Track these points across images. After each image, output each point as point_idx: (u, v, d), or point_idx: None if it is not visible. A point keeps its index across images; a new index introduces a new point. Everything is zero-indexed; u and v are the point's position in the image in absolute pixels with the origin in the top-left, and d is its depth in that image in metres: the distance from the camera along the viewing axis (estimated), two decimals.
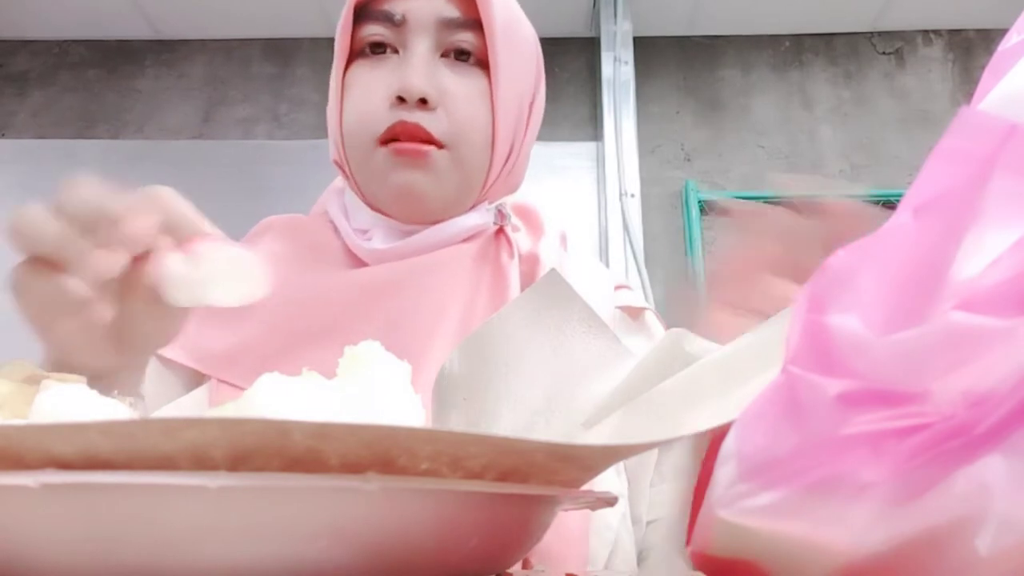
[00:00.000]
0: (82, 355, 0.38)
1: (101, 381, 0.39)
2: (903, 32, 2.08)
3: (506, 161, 0.58)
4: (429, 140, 0.52)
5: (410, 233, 0.56)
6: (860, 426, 0.17)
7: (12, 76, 2.10)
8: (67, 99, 2.08)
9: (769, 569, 0.19)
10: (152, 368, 0.53)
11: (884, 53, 2.08)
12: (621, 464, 0.51)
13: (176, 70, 2.11)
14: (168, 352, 0.52)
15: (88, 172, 0.36)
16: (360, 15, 0.55)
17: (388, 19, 0.54)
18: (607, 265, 1.48)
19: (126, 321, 0.38)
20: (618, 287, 0.62)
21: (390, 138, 0.52)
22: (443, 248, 0.56)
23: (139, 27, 2.08)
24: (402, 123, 0.52)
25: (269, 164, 1.95)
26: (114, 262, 0.33)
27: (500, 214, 0.59)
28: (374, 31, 0.54)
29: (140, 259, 0.36)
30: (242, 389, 0.47)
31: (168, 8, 2.01)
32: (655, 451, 0.53)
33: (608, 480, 0.50)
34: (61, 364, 0.39)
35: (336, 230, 0.58)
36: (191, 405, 0.50)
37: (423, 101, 0.52)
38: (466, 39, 0.54)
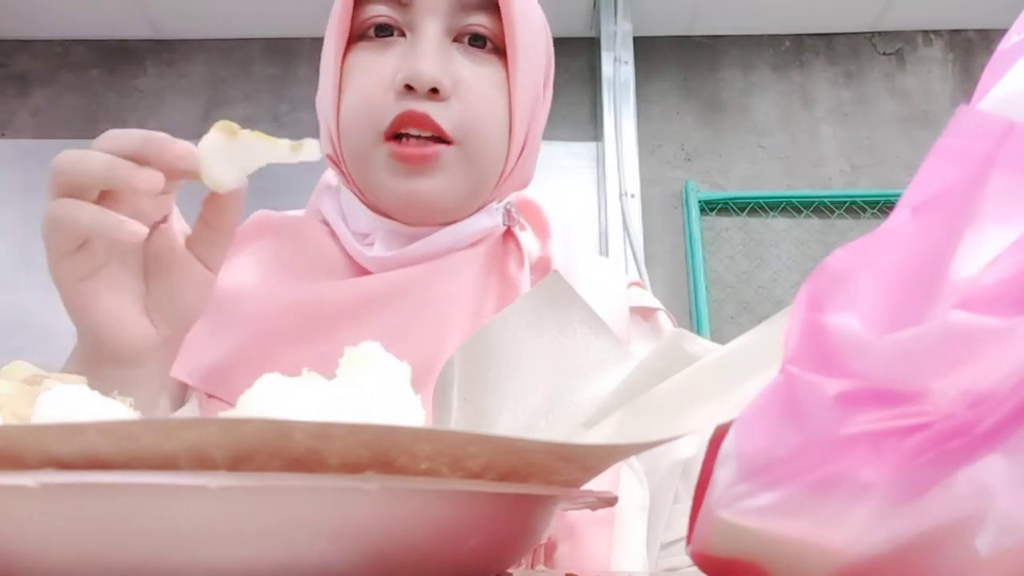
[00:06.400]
0: (120, 329, 0.38)
1: (139, 366, 0.40)
2: (903, 32, 2.08)
3: (520, 155, 0.54)
4: (438, 132, 0.48)
5: (414, 237, 0.52)
6: (860, 426, 0.17)
7: (13, 76, 2.10)
8: (68, 99, 2.08)
9: (769, 569, 0.19)
10: None
11: (884, 53, 2.08)
12: (644, 476, 0.49)
13: (177, 70, 2.11)
14: None
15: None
16: None
17: None
18: None
19: (158, 294, 0.40)
20: (630, 284, 0.58)
21: (396, 129, 0.48)
22: (448, 254, 0.52)
23: (140, 27, 2.08)
24: (409, 112, 0.47)
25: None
26: (158, 181, 0.35)
27: (508, 214, 0.56)
28: (379, 11, 0.49)
29: (159, 227, 0.39)
30: (232, 404, 0.47)
31: (169, 8, 2.01)
32: (679, 468, 0.50)
33: (632, 492, 0.47)
34: (95, 349, 0.39)
35: (333, 234, 0.54)
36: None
37: (434, 91, 0.47)
38: (481, 22, 0.50)
